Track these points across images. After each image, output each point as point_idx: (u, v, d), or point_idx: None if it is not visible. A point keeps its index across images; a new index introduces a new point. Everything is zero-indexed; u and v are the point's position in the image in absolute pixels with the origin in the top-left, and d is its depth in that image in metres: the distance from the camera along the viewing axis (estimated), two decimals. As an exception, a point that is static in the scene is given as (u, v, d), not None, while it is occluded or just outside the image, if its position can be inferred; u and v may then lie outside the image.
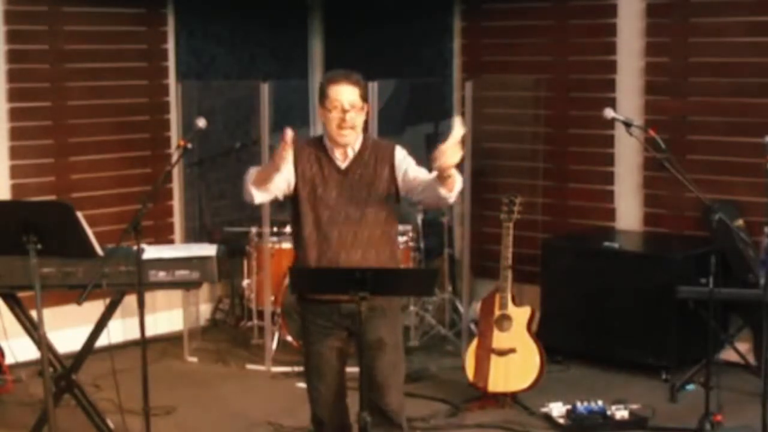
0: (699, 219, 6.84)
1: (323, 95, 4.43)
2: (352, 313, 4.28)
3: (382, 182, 4.48)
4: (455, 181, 4.26)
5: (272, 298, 7.06)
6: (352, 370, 4.51)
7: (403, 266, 4.58)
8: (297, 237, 4.56)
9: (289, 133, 4.21)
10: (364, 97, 4.46)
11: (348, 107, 4.38)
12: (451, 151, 4.10)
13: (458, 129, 4.11)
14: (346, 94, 4.39)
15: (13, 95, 7.04)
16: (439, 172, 4.19)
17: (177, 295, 7.31)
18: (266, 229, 7.03)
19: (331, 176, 4.46)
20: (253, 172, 4.44)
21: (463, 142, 4.16)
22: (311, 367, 4.57)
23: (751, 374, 6.31)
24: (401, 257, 4.61)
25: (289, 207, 4.62)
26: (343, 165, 4.48)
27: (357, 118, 4.42)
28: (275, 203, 7.22)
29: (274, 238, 7.21)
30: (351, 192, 4.45)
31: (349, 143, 4.45)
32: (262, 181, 4.37)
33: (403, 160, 4.52)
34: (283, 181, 4.45)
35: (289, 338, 7.01)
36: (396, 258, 4.61)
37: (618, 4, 7.28)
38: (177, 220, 7.78)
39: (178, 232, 7.81)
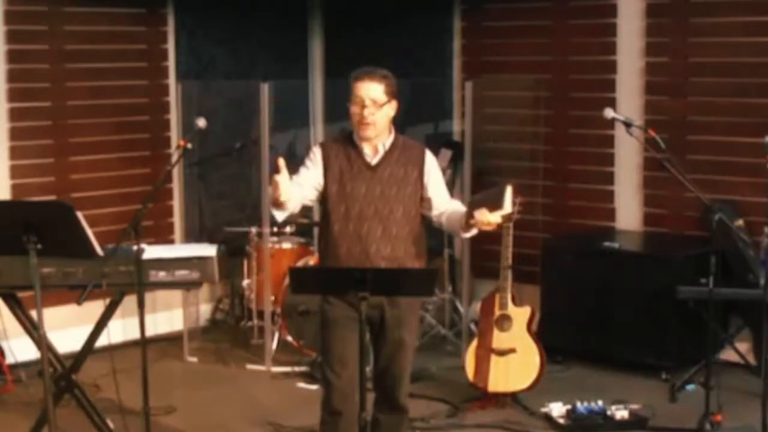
0: (699, 219, 6.85)
1: (350, 91, 4.55)
2: (379, 304, 4.45)
3: (410, 183, 4.60)
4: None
5: (272, 298, 7.06)
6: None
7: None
8: (325, 233, 4.63)
9: (280, 162, 4.29)
10: (390, 93, 4.56)
11: (367, 103, 4.49)
12: (495, 222, 4.38)
13: (508, 207, 4.37)
14: (366, 90, 4.51)
15: (13, 95, 7.04)
16: (473, 225, 4.47)
17: (177, 295, 7.31)
18: (266, 229, 7.03)
19: (361, 172, 4.55)
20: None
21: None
22: (335, 356, 4.57)
23: (751, 374, 6.31)
24: (424, 256, 4.69)
25: (318, 205, 4.73)
26: (373, 161, 4.58)
27: (377, 114, 4.51)
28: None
29: (274, 238, 7.21)
30: (381, 188, 4.55)
31: (370, 137, 4.55)
32: (276, 205, 4.43)
33: (432, 168, 4.67)
34: (306, 190, 4.55)
35: (289, 338, 7.01)
36: (422, 256, 4.69)
37: (618, 4, 7.28)
38: (177, 220, 7.78)
39: (178, 232, 7.81)
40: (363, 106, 4.49)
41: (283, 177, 4.29)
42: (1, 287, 5.22)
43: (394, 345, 4.63)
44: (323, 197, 4.61)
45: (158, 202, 7.52)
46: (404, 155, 4.61)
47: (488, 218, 4.34)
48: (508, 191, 4.36)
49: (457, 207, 4.67)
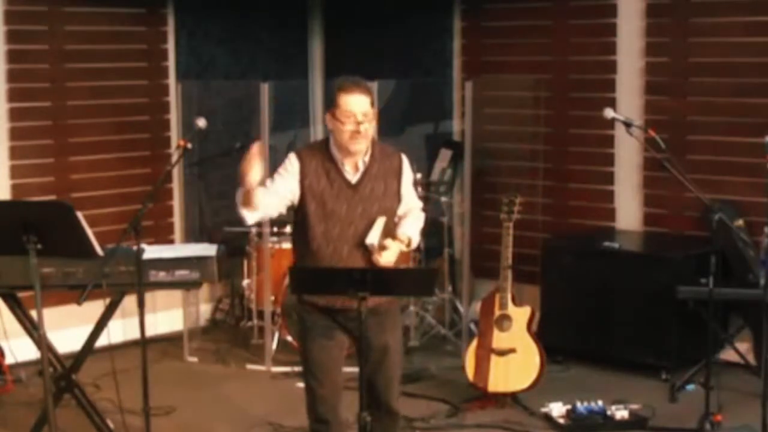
0: (699, 219, 6.84)
1: (334, 104, 4.37)
2: (356, 317, 4.27)
3: (390, 196, 4.51)
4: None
5: (272, 298, 7.06)
6: (351, 370, 4.53)
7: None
8: (303, 249, 4.50)
9: (255, 147, 4.19)
10: (374, 104, 4.44)
11: (362, 118, 4.34)
12: (387, 259, 4.39)
13: (372, 238, 4.37)
14: (359, 104, 4.35)
15: (13, 95, 7.04)
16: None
17: (177, 295, 7.30)
18: (266, 229, 7.03)
19: (342, 191, 4.41)
20: (239, 192, 4.36)
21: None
22: (316, 364, 4.50)
23: (751, 374, 6.31)
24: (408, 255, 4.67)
25: (293, 218, 4.55)
26: (353, 179, 4.44)
27: (370, 128, 4.39)
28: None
29: (274, 238, 7.21)
30: (362, 206, 4.42)
31: (360, 151, 4.41)
32: (247, 203, 4.31)
33: (407, 176, 4.59)
34: (281, 199, 4.42)
35: (289, 338, 7.01)
36: (406, 257, 4.63)
37: (618, 4, 7.27)
38: (177, 220, 7.78)
39: (178, 232, 7.81)
40: (357, 122, 4.33)
41: (252, 167, 4.17)
42: (1, 287, 5.22)
43: (380, 351, 4.54)
44: (300, 213, 4.45)
45: (158, 202, 7.52)
46: (383, 167, 4.49)
47: (379, 260, 4.40)
48: (378, 223, 4.40)
49: (405, 218, 4.60)
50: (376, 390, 4.60)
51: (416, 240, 4.58)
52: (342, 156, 4.43)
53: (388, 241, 4.40)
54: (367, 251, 4.41)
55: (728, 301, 6.24)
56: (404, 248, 4.51)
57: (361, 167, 4.45)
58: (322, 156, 4.45)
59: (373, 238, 4.37)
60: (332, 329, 4.43)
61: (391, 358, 4.59)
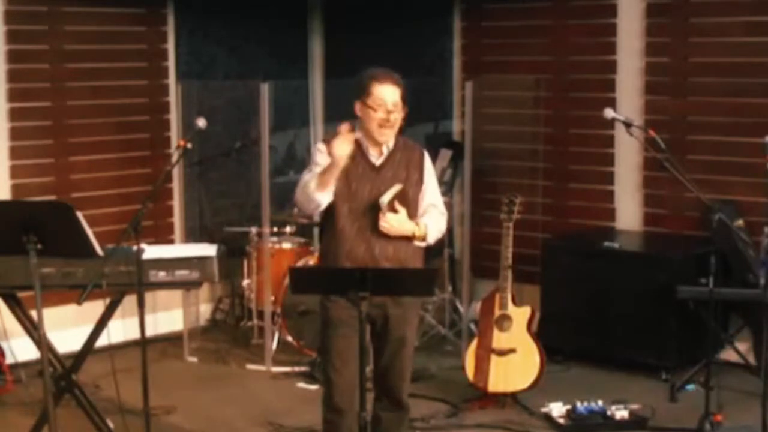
0: (699, 219, 6.85)
1: (366, 92, 4.52)
2: (382, 303, 4.50)
3: (412, 185, 4.65)
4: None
5: (272, 298, 7.06)
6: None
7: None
8: (328, 230, 4.64)
9: (343, 127, 4.40)
10: (404, 98, 4.57)
11: (392, 107, 4.51)
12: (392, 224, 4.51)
13: (383, 199, 4.49)
14: (391, 94, 4.52)
15: (13, 95, 7.04)
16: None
17: (177, 295, 7.31)
18: (266, 229, 7.03)
19: (365, 172, 4.58)
20: (308, 180, 4.49)
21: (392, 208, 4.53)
22: (336, 353, 4.60)
23: (751, 374, 6.31)
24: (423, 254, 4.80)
25: None
26: (377, 162, 4.61)
27: (398, 119, 4.55)
28: (275, 203, 7.30)
29: (274, 238, 7.21)
30: (384, 189, 4.55)
31: (386, 142, 4.60)
32: (326, 183, 4.45)
33: (430, 171, 4.74)
34: None
35: (289, 338, 7.01)
36: (419, 254, 4.73)
37: (618, 4, 7.28)
38: (177, 220, 7.78)
39: (178, 232, 7.81)
40: (388, 111, 4.50)
41: (345, 148, 4.38)
42: (1, 287, 5.22)
43: (396, 342, 4.67)
44: None
45: (158, 202, 7.52)
46: (405, 157, 4.66)
47: (384, 220, 4.49)
48: (393, 188, 4.52)
49: (425, 215, 4.70)
50: (389, 382, 4.74)
51: (432, 236, 4.68)
52: (368, 141, 4.59)
53: (400, 208, 4.52)
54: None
55: (728, 301, 6.24)
56: (417, 233, 4.59)
57: (385, 152, 4.62)
58: None
59: (384, 198, 4.49)
60: (354, 320, 4.41)
61: (407, 350, 4.71)
